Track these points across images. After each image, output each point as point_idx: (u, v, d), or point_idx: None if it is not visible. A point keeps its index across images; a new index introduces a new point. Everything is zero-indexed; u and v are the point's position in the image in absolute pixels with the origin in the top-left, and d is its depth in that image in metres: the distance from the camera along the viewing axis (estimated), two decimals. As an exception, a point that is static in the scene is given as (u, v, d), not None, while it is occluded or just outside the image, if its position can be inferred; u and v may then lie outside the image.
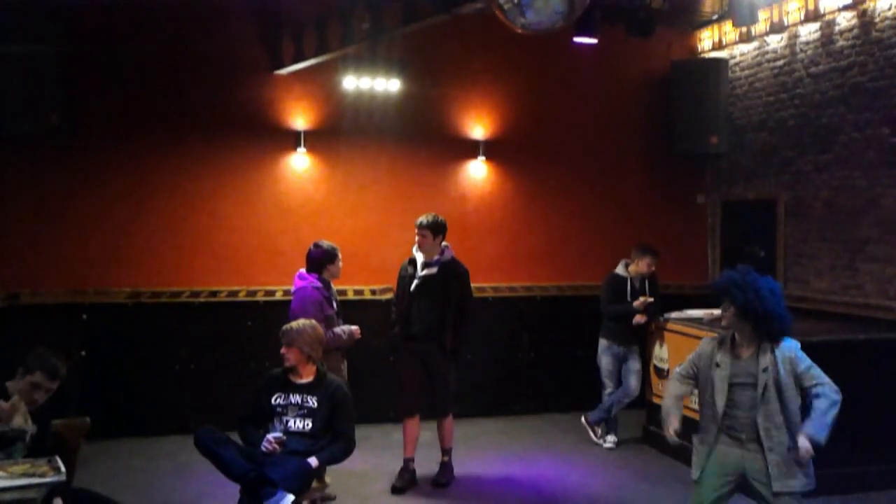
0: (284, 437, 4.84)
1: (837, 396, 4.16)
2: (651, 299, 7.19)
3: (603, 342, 7.40)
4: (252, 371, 7.43)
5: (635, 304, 7.17)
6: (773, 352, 4.29)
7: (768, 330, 4.30)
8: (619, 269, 7.37)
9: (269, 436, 4.85)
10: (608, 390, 7.39)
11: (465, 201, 8.47)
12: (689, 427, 4.68)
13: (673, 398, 4.53)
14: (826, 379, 4.23)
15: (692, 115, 8.56)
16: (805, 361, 4.28)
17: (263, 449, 4.80)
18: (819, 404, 4.16)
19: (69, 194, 7.44)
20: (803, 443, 4.09)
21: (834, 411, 4.13)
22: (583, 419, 7.54)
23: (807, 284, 7.64)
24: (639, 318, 7.22)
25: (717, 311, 7.07)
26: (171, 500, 5.98)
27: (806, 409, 4.26)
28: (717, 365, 4.36)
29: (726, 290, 4.33)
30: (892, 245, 6.80)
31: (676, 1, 7.83)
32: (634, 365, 7.28)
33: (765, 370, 4.25)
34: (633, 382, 7.26)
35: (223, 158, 7.84)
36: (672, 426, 4.38)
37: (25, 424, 4.28)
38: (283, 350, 5.01)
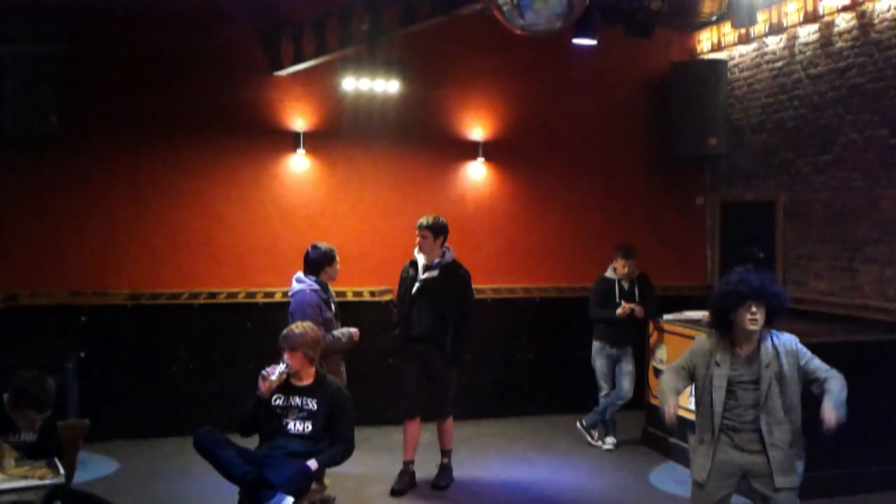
0: (285, 371, 4.87)
1: (842, 378, 4.18)
2: (632, 307, 7.17)
3: (596, 344, 7.40)
4: (251, 372, 7.42)
5: (618, 311, 7.15)
6: (773, 346, 4.28)
7: (780, 318, 4.33)
8: (608, 272, 7.38)
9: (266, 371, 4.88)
10: (604, 392, 7.39)
11: (465, 202, 8.47)
12: (686, 427, 4.67)
13: (669, 388, 4.44)
14: (827, 366, 4.25)
15: (691, 116, 8.57)
16: (807, 354, 4.29)
17: (260, 380, 4.84)
18: (832, 385, 4.15)
19: (68, 195, 7.43)
20: (830, 416, 4.05)
21: (846, 392, 4.13)
22: (578, 424, 7.54)
23: (806, 285, 7.64)
24: (638, 312, 7.19)
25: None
26: (170, 502, 5.97)
27: (806, 400, 4.27)
28: (717, 364, 4.34)
29: (767, 293, 4.26)
30: (891, 246, 6.80)
31: (675, 2, 7.82)
32: (627, 367, 7.28)
33: (767, 366, 4.24)
34: (626, 385, 7.26)
35: (222, 159, 7.84)
36: (670, 408, 4.32)
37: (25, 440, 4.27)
38: (285, 355, 4.98)
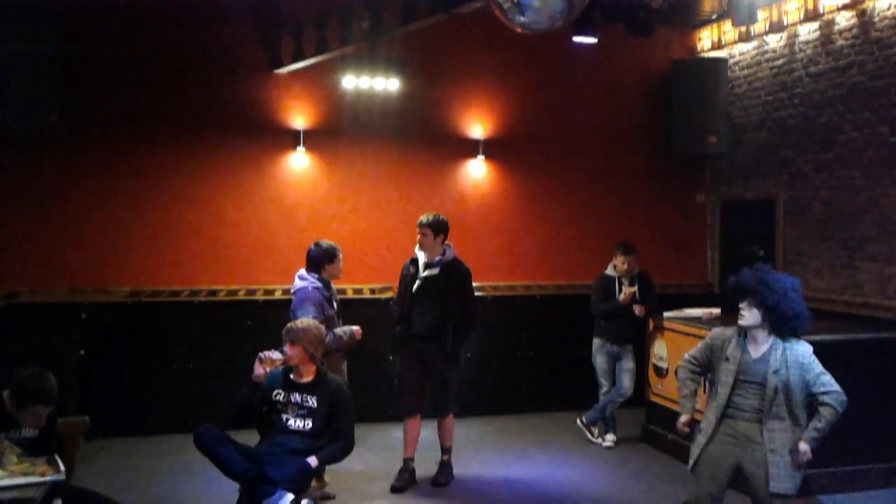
0: (282, 358, 4.94)
1: (843, 406, 4.21)
2: (633, 290, 7.19)
3: (596, 341, 7.41)
4: (251, 370, 7.43)
5: (620, 298, 7.18)
6: (784, 353, 4.29)
7: (787, 329, 4.33)
8: (608, 270, 7.39)
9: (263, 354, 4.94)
10: (604, 389, 7.40)
11: (465, 200, 8.47)
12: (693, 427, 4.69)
13: (689, 392, 4.59)
14: (835, 387, 4.25)
15: (691, 114, 8.57)
16: (817, 367, 4.30)
17: (257, 362, 4.92)
18: (825, 412, 4.20)
19: (68, 193, 7.43)
20: (804, 447, 4.17)
21: (835, 419, 4.20)
22: (578, 421, 7.55)
23: (806, 283, 7.59)
24: (638, 311, 7.21)
25: (715, 311, 7.14)
26: (171, 499, 5.98)
27: (811, 411, 4.31)
28: (727, 359, 4.39)
29: (755, 289, 4.30)
30: (891, 244, 6.81)
31: (676, 0, 7.83)
32: (628, 364, 7.29)
33: (775, 372, 4.26)
34: (627, 382, 7.27)
35: (223, 157, 7.84)
36: (683, 419, 4.49)
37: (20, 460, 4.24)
38: (286, 347, 5.00)
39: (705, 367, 4.56)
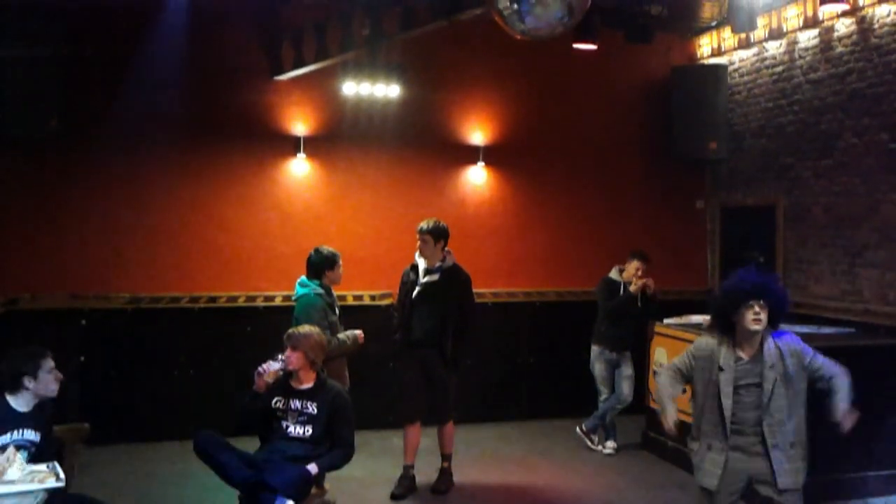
0: (281, 368, 4.94)
1: (849, 376, 4.20)
2: (644, 281, 7.17)
3: (595, 348, 7.39)
4: (251, 376, 7.42)
5: (631, 288, 7.17)
6: (777, 347, 4.25)
7: (780, 320, 4.32)
8: (613, 274, 7.38)
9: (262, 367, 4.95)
10: (603, 396, 7.39)
11: (465, 207, 8.48)
12: (684, 430, 4.65)
13: (667, 395, 4.42)
14: (831, 362, 4.26)
15: (692, 120, 8.58)
16: (810, 351, 4.29)
17: (256, 377, 4.92)
18: (841, 383, 4.17)
19: (68, 198, 7.44)
20: (846, 419, 4.11)
21: (849, 387, 4.18)
22: (578, 429, 7.53)
23: (806, 290, 7.64)
24: (651, 284, 7.17)
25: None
26: (170, 506, 5.98)
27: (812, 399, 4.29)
28: (721, 368, 4.27)
29: (769, 291, 4.25)
30: (891, 251, 6.81)
31: (676, 7, 7.85)
32: (627, 371, 7.28)
33: (771, 367, 4.21)
34: (626, 389, 7.26)
35: (223, 163, 7.85)
36: (668, 418, 4.33)
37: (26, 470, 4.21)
38: (287, 353, 5.00)
39: (689, 379, 4.47)
